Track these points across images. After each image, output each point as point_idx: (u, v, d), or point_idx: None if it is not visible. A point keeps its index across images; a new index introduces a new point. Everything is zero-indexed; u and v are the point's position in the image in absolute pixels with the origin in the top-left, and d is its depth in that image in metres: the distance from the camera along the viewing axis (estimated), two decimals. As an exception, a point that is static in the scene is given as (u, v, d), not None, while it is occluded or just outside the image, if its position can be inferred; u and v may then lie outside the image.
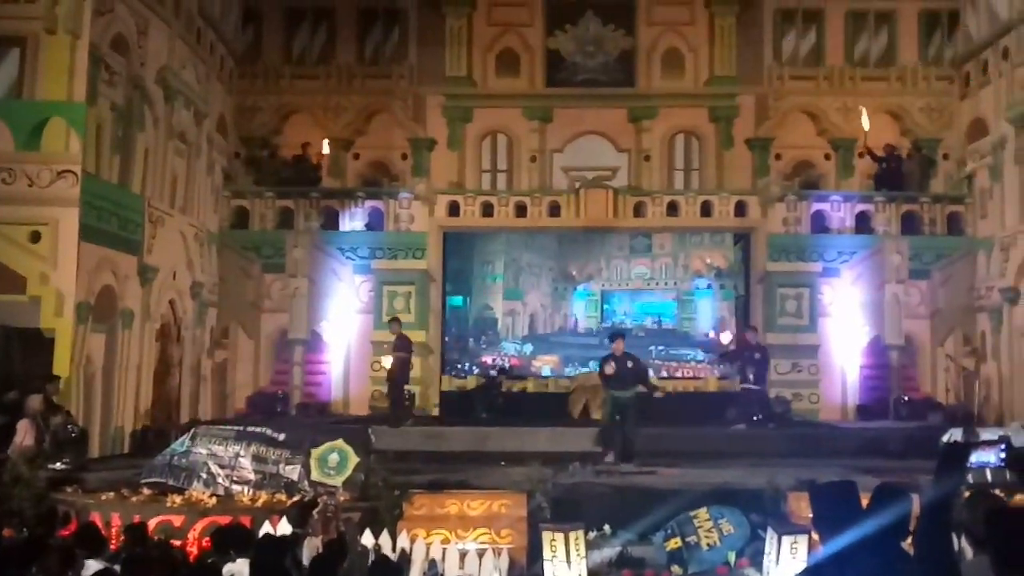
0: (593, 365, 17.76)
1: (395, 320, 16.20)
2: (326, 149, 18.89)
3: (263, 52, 19.76)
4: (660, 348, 18.73)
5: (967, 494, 4.56)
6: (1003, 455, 10.49)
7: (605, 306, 19.08)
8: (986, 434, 11.49)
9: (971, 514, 4.15)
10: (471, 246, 19.13)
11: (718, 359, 17.49)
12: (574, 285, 19.11)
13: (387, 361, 15.57)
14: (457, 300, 18.96)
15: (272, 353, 18.31)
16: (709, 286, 18.96)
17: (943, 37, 19.56)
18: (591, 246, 19.17)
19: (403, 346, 15.64)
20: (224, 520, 8.49)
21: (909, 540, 3.71)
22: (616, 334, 13.49)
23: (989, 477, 10.12)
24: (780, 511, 9.73)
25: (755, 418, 15.36)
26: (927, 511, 3.61)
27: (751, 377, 15.47)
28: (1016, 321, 16.37)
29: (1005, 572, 3.54)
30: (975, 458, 10.22)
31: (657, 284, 19.10)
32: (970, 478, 9.83)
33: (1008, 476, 10.27)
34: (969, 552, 4.32)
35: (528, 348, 18.93)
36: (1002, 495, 8.29)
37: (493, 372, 18.05)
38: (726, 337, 17.24)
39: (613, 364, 12.71)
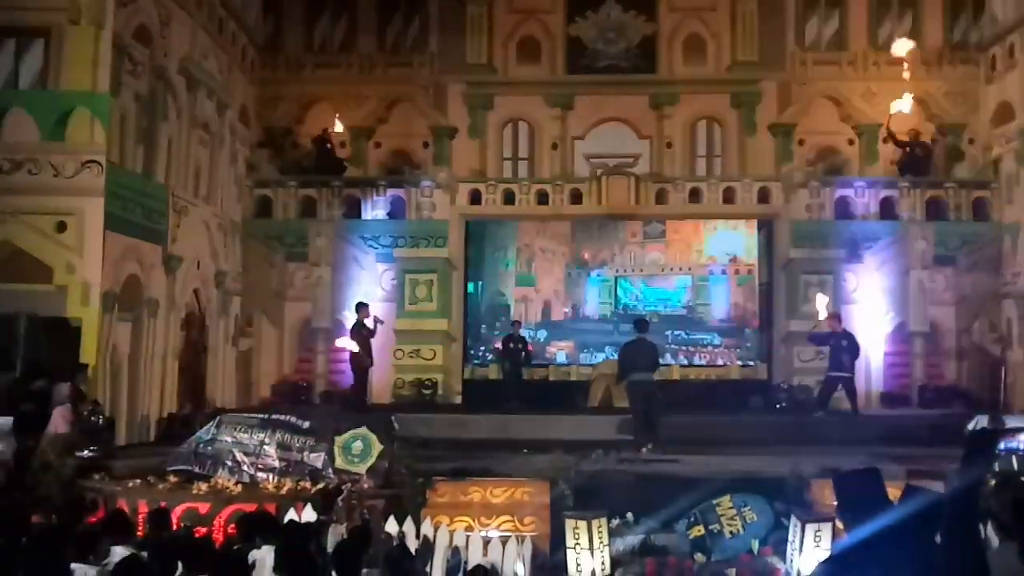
0: (609, 351, 17.80)
1: (363, 305, 15.44)
2: (339, 127, 18.84)
3: (284, 42, 19.83)
4: (676, 333, 18.69)
5: (993, 482, 4.53)
6: (1030, 443, 10.40)
7: (619, 292, 19.03)
8: (1012, 421, 11.39)
9: (998, 502, 4.12)
10: (484, 232, 19.10)
11: (808, 339, 16.31)
12: (587, 271, 19.07)
13: (348, 344, 15.05)
14: (470, 286, 18.91)
15: (296, 341, 18.42)
16: (724, 271, 18.87)
17: (968, 20, 19.33)
18: (604, 231, 19.09)
19: (371, 332, 15.16)
20: (249, 507, 8.52)
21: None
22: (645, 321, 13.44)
23: (1016, 465, 10.02)
24: (804, 499, 9.69)
25: (777, 406, 15.23)
26: (954, 499, 3.59)
27: (845, 364, 14.96)
28: (1043, 307, 16.22)
29: (1032, 560, 3.52)
30: (1001, 446, 10.13)
31: (671, 270, 19.03)
32: (996, 466, 9.74)
33: (1034, 464, 10.18)
34: (996, 540, 4.30)
35: (543, 334, 18.91)
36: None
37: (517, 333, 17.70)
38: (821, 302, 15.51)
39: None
